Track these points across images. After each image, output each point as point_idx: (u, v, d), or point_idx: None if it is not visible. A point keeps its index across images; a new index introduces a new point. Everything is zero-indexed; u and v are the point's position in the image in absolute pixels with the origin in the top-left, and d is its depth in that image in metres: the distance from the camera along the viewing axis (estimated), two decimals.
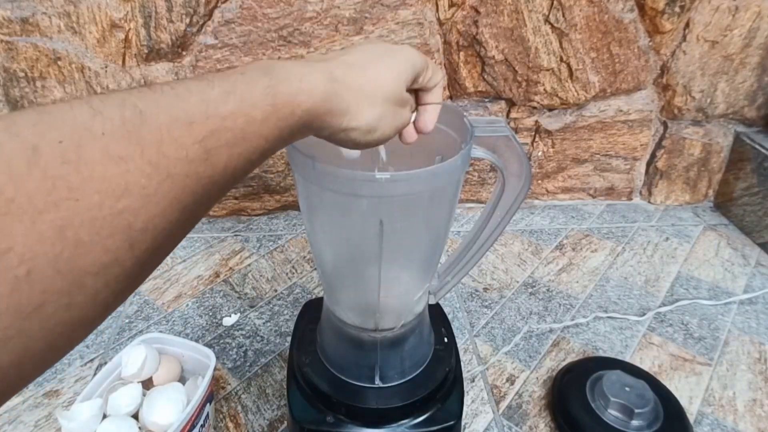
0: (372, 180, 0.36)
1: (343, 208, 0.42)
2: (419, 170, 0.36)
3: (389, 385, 0.47)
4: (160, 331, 0.70)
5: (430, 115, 0.37)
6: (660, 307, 0.75)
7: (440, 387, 0.48)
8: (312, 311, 0.56)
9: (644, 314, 0.74)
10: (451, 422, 0.47)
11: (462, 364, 0.66)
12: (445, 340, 0.52)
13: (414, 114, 0.37)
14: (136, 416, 0.51)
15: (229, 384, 0.63)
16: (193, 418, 0.50)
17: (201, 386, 0.51)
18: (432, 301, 0.51)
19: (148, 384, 0.54)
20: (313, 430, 0.47)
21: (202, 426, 0.52)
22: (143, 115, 0.20)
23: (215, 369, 0.54)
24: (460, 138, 0.43)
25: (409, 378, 0.48)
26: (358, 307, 0.48)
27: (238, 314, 0.73)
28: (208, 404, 0.54)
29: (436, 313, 0.56)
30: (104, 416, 0.50)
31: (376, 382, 0.47)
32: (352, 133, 0.31)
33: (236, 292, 0.78)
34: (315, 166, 0.37)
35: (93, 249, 0.18)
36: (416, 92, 0.37)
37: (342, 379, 0.48)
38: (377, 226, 0.40)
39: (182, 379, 0.56)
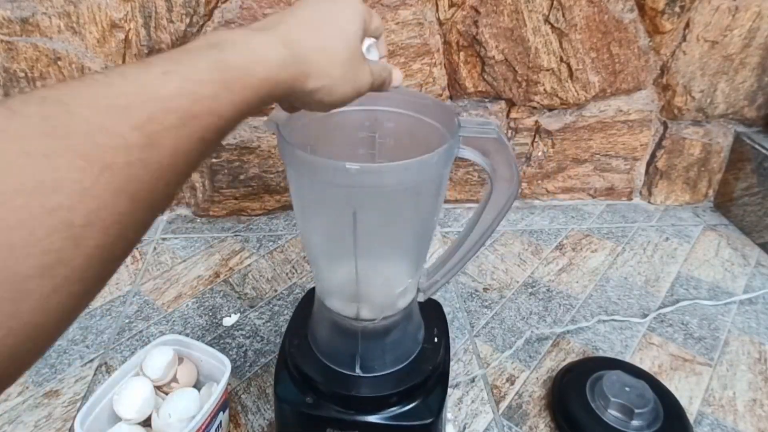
0: (342, 169, 0.35)
1: (319, 196, 0.43)
2: (390, 164, 0.36)
3: (369, 375, 0.48)
4: (161, 332, 0.70)
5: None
6: (660, 308, 0.75)
7: (421, 384, 0.48)
8: (312, 298, 0.57)
9: (646, 316, 0.74)
10: (428, 420, 0.47)
11: (462, 364, 0.66)
12: (435, 339, 0.52)
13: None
14: (148, 420, 0.51)
15: (229, 384, 0.63)
16: (203, 426, 0.49)
17: (214, 394, 0.50)
18: (421, 299, 0.52)
19: (162, 386, 0.54)
20: (294, 410, 0.47)
21: None
22: (69, 107, 0.19)
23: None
24: (451, 137, 0.43)
25: (390, 371, 0.48)
26: (339, 295, 0.48)
27: (238, 314, 0.73)
28: (221, 413, 0.53)
29: (432, 312, 0.56)
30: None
31: (357, 371, 0.48)
32: (317, 94, 0.31)
33: (236, 292, 0.78)
34: (294, 152, 0.38)
35: (29, 251, 0.17)
36: None
37: (326, 364, 0.49)
38: (351, 216, 0.40)
39: (198, 384, 0.56)
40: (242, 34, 0.27)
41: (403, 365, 0.49)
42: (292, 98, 0.30)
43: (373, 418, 0.46)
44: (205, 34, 0.29)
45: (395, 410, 0.47)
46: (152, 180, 0.21)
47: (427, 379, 0.48)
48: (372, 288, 0.47)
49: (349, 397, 0.46)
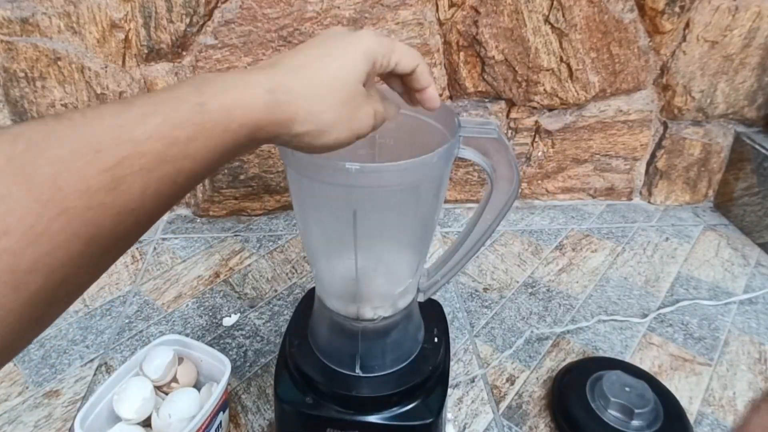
0: (342, 169, 0.36)
1: (319, 196, 0.43)
2: (390, 164, 0.36)
3: (369, 375, 0.48)
4: (161, 332, 0.70)
5: (428, 97, 0.36)
6: (660, 308, 0.75)
7: (421, 384, 0.48)
8: (312, 298, 0.57)
9: (646, 316, 0.74)
10: (429, 420, 0.47)
11: (462, 364, 0.66)
12: (435, 339, 0.52)
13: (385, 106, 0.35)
14: (148, 420, 0.51)
15: (229, 384, 0.63)
16: (203, 427, 0.49)
17: (214, 394, 0.50)
18: (420, 299, 0.52)
19: (162, 386, 0.54)
20: (294, 410, 0.47)
21: None
22: (38, 147, 0.19)
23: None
24: (452, 138, 0.43)
25: (390, 371, 0.48)
26: (339, 295, 0.48)
27: (238, 314, 0.73)
28: (221, 413, 0.53)
29: (432, 312, 0.56)
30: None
31: (357, 371, 0.48)
32: (304, 138, 0.30)
33: (236, 292, 0.78)
34: (293, 153, 0.38)
35: None
36: (401, 79, 0.36)
37: (326, 364, 0.49)
38: (351, 216, 0.40)
39: (198, 384, 0.56)
40: (227, 77, 0.27)
41: (403, 365, 0.49)
42: (280, 141, 0.29)
43: (373, 418, 0.46)
44: (198, 75, 0.28)
45: (395, 410, 0.47)
46: (112, 224, 0.21)
47: (427, 379, 0.48)
48: (372, 288, 0.47)
49: (350, 397, 0.46)
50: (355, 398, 0.46)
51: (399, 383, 0.47)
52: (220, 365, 0.54)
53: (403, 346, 0.50)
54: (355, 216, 0.40)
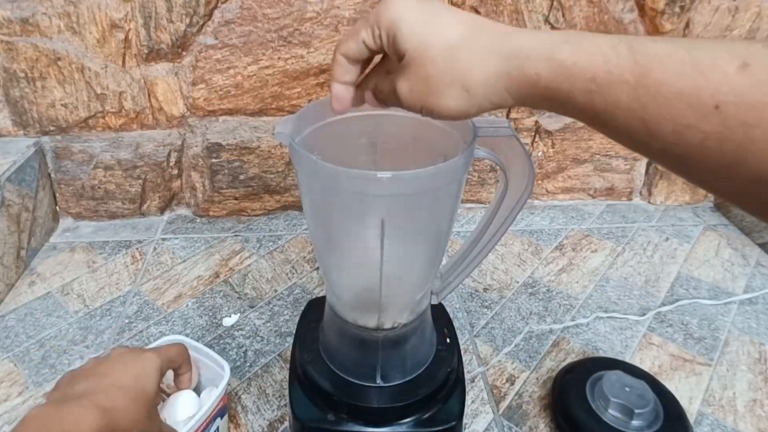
0: (374, 179, 0.36)
1: (345, 207, 0.42)
2: (421, 170, 0.36)
3: (390, 384, 0.47)
4: (161, 332, 0.70)
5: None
6: (660, 306, 0.75)
7: (442, 387, 0.48)
8: (315, 310, 0.56)
9: (644, 314, 0.74)
10: (452, 423, 0.47)
11: (462, 364, 0.66)
12: (448, 340, 0.52)
13: None
14: None
15: (229, 385, 0.63)
16: (199, 431, 0.49)
17: (211, 398, 0.49)
18: (434, 301, 0.51)
19: (163, 388, 0.53)
20: (315, 428, 0.47)
21: None
22: None
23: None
24: (463, 138, 0.43)
25: (410, 378, 0.48)
26: (359, 306, 0.48)
27: (238, 314, 0.73)
28: (219, 419, 0.52)
29: (439, 313, 0.56)
30: None
31: (378, 382, 0.47)
32: None
33: (236, 292, 0.78)
34: (317, 164, 0.37)
35: None
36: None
37: (344, 377, 0.48)
38: (379, 225, 0.40)
39: (200, 387, 0.55)
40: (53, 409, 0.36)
41: (421, 370, 0.49)
42: None
43: (398, 428, 0.46)
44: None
45: (419, 417, 0.47)
46: None
47: (446, 381, 0.48)
48: (395, 296, 0.47)
49: (372, 408, 0.46)
50: (378, 409, 0.46)
51: (421, 389, 0.47)
52: (220, 370, 0.53)
53: (421, 351, 0.50)
54: (383, 225, 0.40)
